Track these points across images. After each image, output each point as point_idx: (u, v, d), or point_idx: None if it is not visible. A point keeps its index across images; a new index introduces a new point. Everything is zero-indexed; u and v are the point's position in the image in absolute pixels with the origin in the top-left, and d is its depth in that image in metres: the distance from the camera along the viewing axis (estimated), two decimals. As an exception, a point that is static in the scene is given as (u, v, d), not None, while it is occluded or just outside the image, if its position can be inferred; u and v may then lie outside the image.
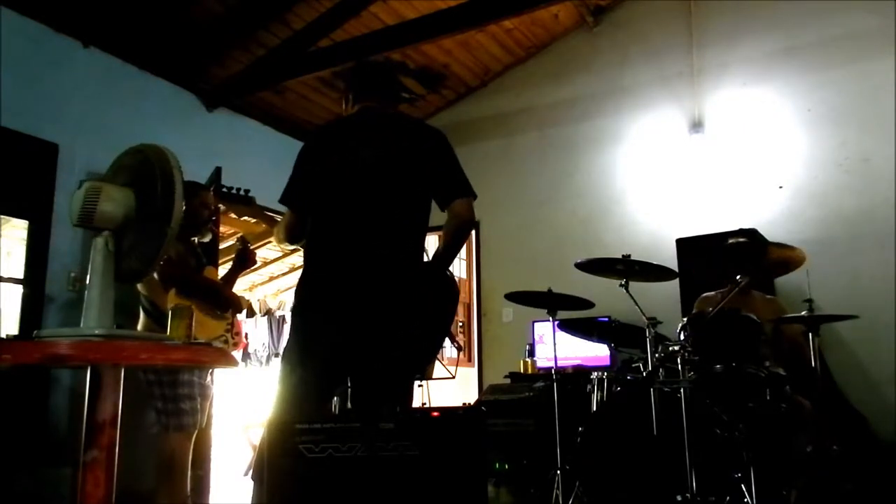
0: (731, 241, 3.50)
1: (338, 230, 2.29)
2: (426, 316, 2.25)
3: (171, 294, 2.98)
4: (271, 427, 1.82)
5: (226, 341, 3.18)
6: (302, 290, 2.31)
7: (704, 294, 3.78)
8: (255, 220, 3.95)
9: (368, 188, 2.28)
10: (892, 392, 4.36)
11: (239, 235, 4.93)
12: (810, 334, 3.18)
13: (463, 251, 7.90)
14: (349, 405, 2.36)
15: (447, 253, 2.31)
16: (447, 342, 3.20)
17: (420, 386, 4.67)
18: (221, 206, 3.39)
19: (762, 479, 2.67)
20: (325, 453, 1.78)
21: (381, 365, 2.20)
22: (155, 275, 2.87)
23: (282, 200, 2.39)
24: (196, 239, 3.31)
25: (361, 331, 2.18)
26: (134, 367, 2.65)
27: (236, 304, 3.32)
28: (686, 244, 4.80)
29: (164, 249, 1.59)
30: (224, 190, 3.10)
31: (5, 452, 3.51)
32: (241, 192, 3.10)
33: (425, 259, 2.38)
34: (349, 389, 2.33)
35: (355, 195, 2.29)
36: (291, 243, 2.47)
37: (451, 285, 2.33)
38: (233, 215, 3.19)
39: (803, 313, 3.21)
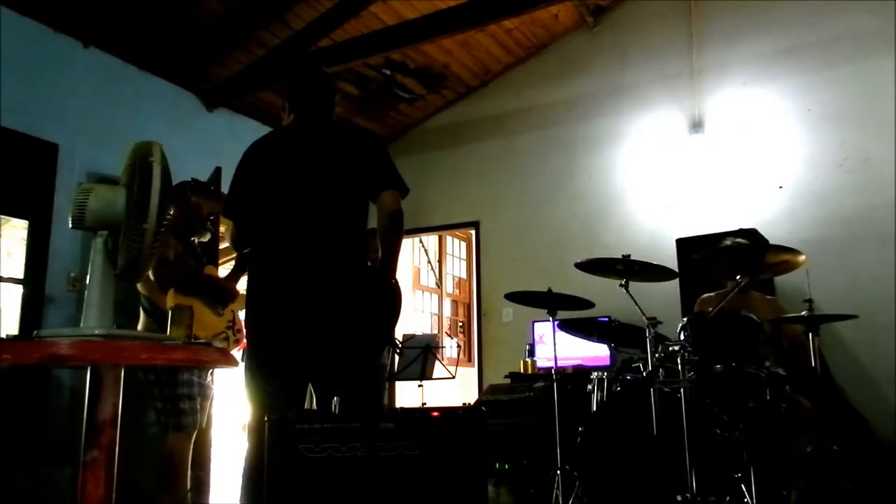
0: (727, 241, 3.49)
1: (275, 240, 2.33)
2: (365, 321, 2.27)
3: (171, 293, 2.98)
4: (253, 432, 1.84)
5: (226, 338, 3.17)
6: (249, 301, 2.36)
7: (704, 295, 3.78)
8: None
9: (304, 196, 2.32)
10: (892, 392, 4.37)
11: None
12: (810, 334, 3.18)
13: (463, 251, 7.91)
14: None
15: (386, 255, 2.34)
16: (449, 342, 3.21)
17: (420, 386, 4.67)
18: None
19: (762, 479, 2.67)
20: (325, 453, 1.78)
21: (327, 369, 2.26)
22: (150, 275, 2.87)
23: (224, 214, 2.50)
24: (195, 239, 3.31)
25: (307, 337, 2.23)
26: (134, 367, 2.66)
27: (234, 294, 3.30)
28: (686, 244, 4.80)
29: (147, 247, 1.55)
30: (192, 183, 3.09)
31: (5, 452, 3.51)
32: (212, 187, 3.10)
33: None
34: (313, 394, 2.37)
35: (291, 204, 2.33)
36: (239, 251, 2.60)
37: (393, 293, 2.34)
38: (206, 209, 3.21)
39: (803, 313, 3.20)
